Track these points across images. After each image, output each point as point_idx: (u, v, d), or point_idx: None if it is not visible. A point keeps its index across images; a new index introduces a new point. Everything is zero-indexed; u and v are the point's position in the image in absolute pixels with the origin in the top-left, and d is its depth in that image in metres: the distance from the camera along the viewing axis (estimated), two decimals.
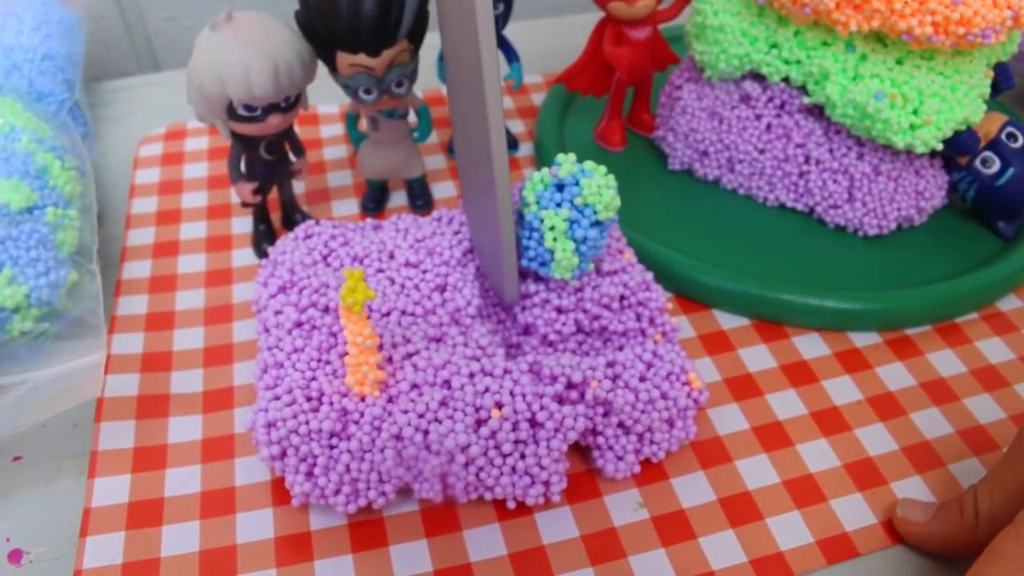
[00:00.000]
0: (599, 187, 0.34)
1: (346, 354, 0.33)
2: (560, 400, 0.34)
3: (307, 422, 0.32)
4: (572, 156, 0.35)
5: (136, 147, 0.54)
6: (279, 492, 0.35)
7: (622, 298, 0.38)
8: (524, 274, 0.37)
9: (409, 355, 0.35)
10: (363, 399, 0.33)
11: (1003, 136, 0.44)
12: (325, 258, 0.39)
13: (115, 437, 0.37)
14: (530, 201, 0.35)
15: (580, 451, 0.37)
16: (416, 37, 0.42)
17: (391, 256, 0.39)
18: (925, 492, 0.35)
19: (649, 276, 0.39)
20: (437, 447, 0.32)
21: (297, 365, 0.34)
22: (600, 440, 0.35)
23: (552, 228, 0.34)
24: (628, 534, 0.34)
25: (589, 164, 0.35)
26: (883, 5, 0.39)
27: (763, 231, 0.46)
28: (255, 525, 0.34)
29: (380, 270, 0.38)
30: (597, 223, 0.35)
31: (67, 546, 0.34)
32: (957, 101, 0.41)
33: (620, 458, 0.35)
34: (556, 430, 0.33)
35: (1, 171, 0.40)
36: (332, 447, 0.33)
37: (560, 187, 0.35)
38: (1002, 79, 0.44)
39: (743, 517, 0.34)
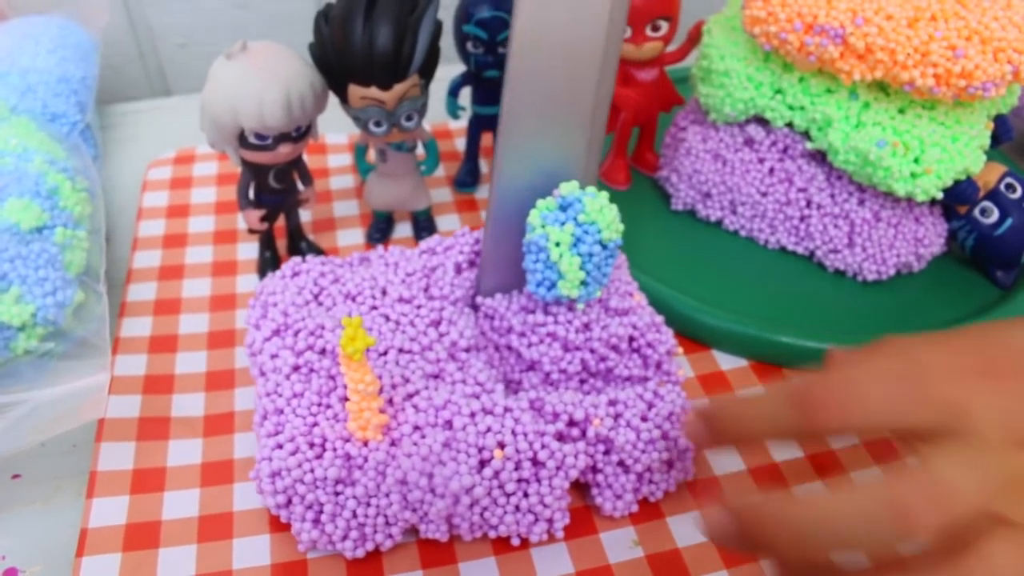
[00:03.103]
0: (602, 207, 0.35)
1: (347, 399, 0.33)
2: (561, 438, 0.34)
3: (312, 470, 0.32)
4: (574, 182, 0.36)
5: (145, 170, 0.54)
6: (277, 519, 0.35)
7: (631, 339, 0.38)
8: (532, 309, 0.38)
9: (409, 395, 0.35)
10: (366, 444, 0.33)
11: (1002, 187, 0.44)
12: (316, 297, 0.39)
13: (115, 458, 0.37)
14: (536, 225, 0.35)
15: (578, 487, 0.37)
16: (427, 72, 0.42)
17: (384, 292, 0.39)
18: None
19: (659, 319, 0.39)
20: (442, 490, 0.32)
21: (298, 411, 0.34)
22: (600, 478, 0.35)
23: (558, 244, 0.35)
24: (623, 572, 0.34)
25: (591, 188, 0.36)
26: (886, 56, 0.40)
27: (763, 273, 0.47)
28: (252, 551, 0.34)
29: (374, 307, 0.38)
30: (602, 243, 0.35)
31: (63, 566, 0.34)
32: (958, 151, 0.42)
33: (619, 497, 0.35)
34: (558, 468, 0.33)
35: (13, 191, 0.41)
36: (338, 494, 0.33)
37: (564, 208, 0.35)
38: (1002, 131, 0.45)
39: (737, 558, 0.34)
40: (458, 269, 0.40)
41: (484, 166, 0.54)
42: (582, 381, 0.38)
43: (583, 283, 0.35)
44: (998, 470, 0.25)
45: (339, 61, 0.40)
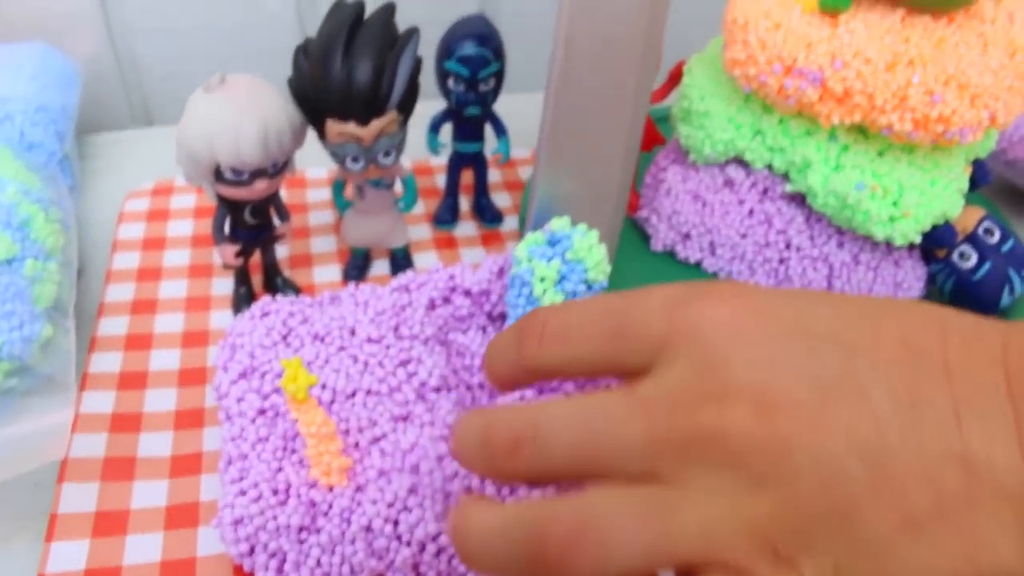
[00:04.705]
0: (591, 246, 0.34)
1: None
2: (531, 483, 0.33)
3: (275, 517, 0.31)
4: (566, 219, 0.35)
5: (122, 201, 0.54)
6: (241, 566, 0.34)
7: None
8: None
9: (376, 439, 0.34)
10: (331, 489, 0.32)
11: (980, 231, 0.44)
12: (284, 338, 0.38)
13: (77, 500, 0.36)
14: (522, 258, 0.35)
15: None
16: (406, 108, 0.42)
17: (352, 332, 0.38)
18: None
19: None
20: (408, 537, 0.31)
21: (262, 456, 0.33)
22: None
23: (543, 279, 0.34)
24: None
25: (582, 226, 0.35)
26: (864, 100, 0.40)
27: None
28: None
29: (342, 347, 0.38)
30: (587, 284, 0.35)
31: None
32: (936, 195, 0.42)
33: None
34: None
35: None
36: (302, 541, 0.32)
37: (552, 244, 0.35)
38: (979, 175, 0.45)
39: None
40: (431, 305, 0.40)
41: (464, 203, 0.54)
42: None
43: None
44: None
45: (317, 95, 0.40)
